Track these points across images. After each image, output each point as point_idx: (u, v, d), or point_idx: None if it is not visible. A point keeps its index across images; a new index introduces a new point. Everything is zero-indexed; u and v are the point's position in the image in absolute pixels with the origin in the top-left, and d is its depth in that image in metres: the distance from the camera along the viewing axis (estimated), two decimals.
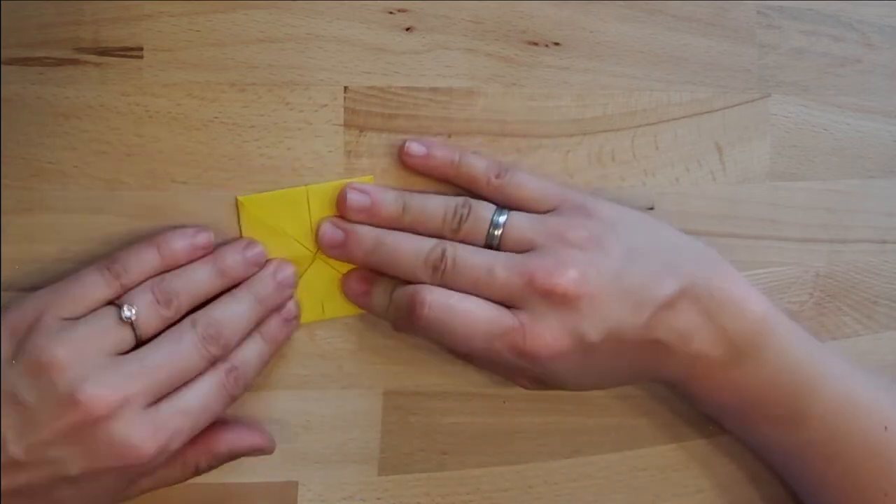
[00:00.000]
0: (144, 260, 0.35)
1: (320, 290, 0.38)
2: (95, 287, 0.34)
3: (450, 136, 0.39)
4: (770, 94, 0.43)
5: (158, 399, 0.32)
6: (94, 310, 0.33)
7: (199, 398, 0.33)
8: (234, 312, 0.35)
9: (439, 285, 0.35)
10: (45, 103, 0.36)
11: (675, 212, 0.42)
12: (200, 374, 0.34)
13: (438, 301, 0.35)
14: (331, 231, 0.37)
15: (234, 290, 0.36)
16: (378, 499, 0.40)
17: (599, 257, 0.35)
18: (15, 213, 0.36)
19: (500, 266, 0.35)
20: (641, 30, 0.41)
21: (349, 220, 0.37)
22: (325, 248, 0.37)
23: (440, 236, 0.36)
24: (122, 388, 0.31)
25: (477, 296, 0.35)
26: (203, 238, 0.36)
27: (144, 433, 0.31)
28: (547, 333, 0.34)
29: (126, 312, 0.33)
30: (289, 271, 0.37)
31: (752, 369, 0.36)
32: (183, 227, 0.36)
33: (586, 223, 0.36)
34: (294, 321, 0.37)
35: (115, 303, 0.33)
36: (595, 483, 0.42)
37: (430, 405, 0.40)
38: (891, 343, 0.46)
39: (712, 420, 0.41)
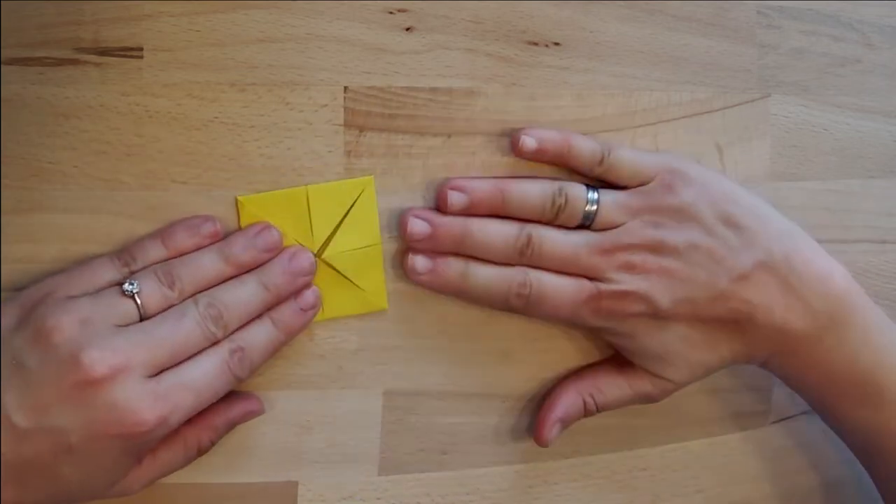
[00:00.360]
0: (151, 251, 0.35)
1: (320, 291, 0.38)
2: (104, 271, 0.34)
3: (450, 136, 0.39)
4: (770, 94, 0.43)
5: (160, 371, 0.33)
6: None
7: (202, 374, 0.33)
8: (237, 296, 0.35)
9: (526, 264, 0.37)
10: (45, 103, 0.36)
11: None
12: (204, 350, 0.34)
13: (532, 284, 0.37)
14: (418, 225, 0.37)
15: (243, 275, 0.36)
16: (378, 499, 0.40)
17: (679, 233, 0.37)
18: (15, 213, 0.36)
19: (584, 250, 0.37)
20: (641, 30, 0.41)
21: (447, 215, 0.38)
22: (412, 241, 0.38)
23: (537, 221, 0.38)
24: (124, 353, 0.31)
25: (561, 272, 0.37)
26: (207, 228, 0.36)
27: (145, 401, 0.32)
28: (621, 295, 0.37)
29: (128, 286, 0.33)
30: (303, 259, 0.37)
31: (834, 345, 0.37)
32: (190, 217, 0.36)
33: (671, 199, 0.37)
34: (311, 311, 0.37)
35: (118, 283, 0.34)
36: (595, 483, 0.42)
37: (430, 405, 0.40)
38: None
39: (712, 419, 0.41)
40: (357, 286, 0.39)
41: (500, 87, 0.40)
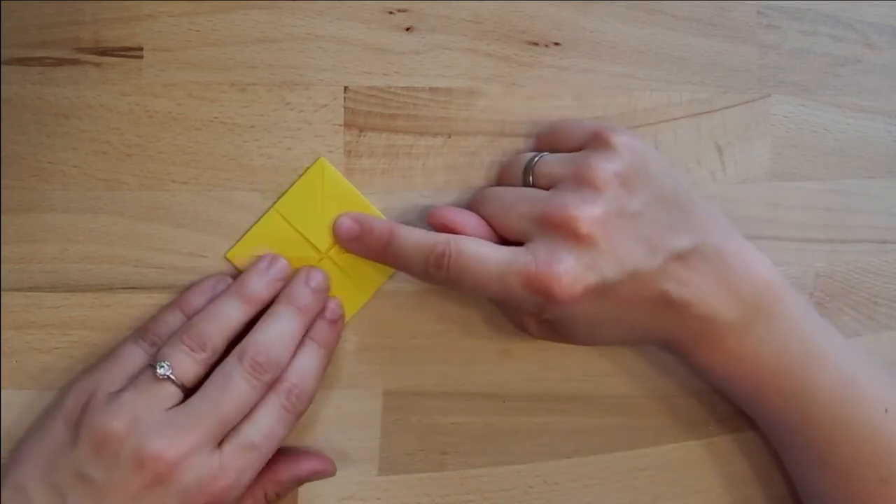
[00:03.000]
0: (172, 323, 0.35)
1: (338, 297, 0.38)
2: (133, 357, 0.34)
3: (450, 136, 0.39)
4: (770, 94, 0.43)
5: (223, 438, 0.33)
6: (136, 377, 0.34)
7: (261, 429, 0.33)
8: (278, 331, 0.35)
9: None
10: (45, 103, 0.36)
11: None
12: (260, 402, 0.34)
13: (452, 251, 0.34)
14: (348, 224, 0.37)
15: (272, 308, 0.35)
16: (378, 499, 0.40)
17: (622, 196, 0.35)
18: (15, 213, 0.36)
19: (521, 201, 0.35)
20: (641, 30, 0.41)
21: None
22: (343, 242, 0.37)
23: None
24: (182, 440, 0.32)
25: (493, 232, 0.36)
26: (221, 287, 0.36)
27: (213, 473, 0.32)
28: (562, 269, 0.33)
29: (159, 370, 0.33)
30: (320, 277, 0.37)
31: (762, 336, 0.36)
32: (202, 281, 0.36)
33: (613, 158, 0.35)
34: (340, 321, 0.37)
35: (150, 364, 0.33)
36: (595, 483, 0.42)
37: (430, 405, 0.40)
38: (891, 343, 0.46)
39: (712, 419, 0.41)
40: (359, 274, 0.38)
41: (500, 87, 0.40)
